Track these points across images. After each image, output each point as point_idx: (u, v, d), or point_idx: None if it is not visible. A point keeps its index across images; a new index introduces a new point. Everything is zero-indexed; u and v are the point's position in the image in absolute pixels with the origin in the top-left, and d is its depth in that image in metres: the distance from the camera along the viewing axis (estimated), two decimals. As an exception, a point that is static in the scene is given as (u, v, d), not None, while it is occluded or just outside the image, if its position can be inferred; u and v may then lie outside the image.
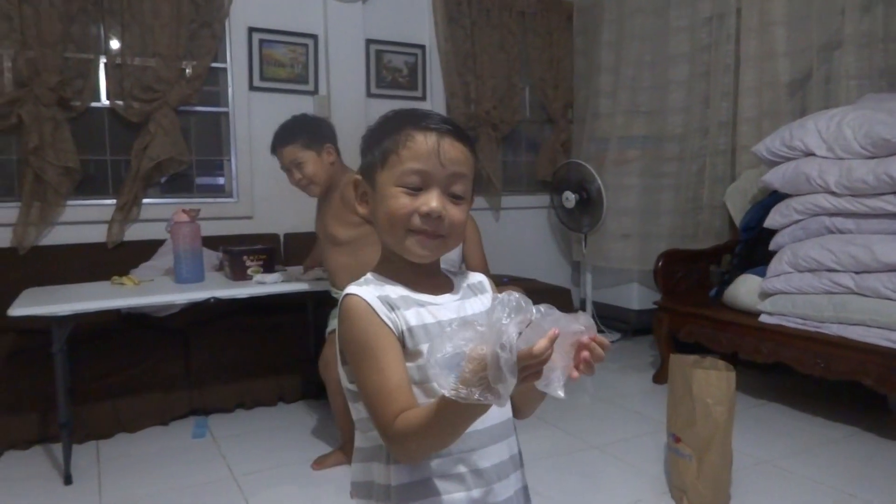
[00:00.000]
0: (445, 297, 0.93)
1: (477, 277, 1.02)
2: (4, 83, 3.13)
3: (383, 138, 0.90)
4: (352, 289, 0.88)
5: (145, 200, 3.50)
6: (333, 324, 2.48)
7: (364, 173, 0.93)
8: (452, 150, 0.87)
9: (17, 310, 2.20)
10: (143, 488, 2.32)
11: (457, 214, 0.88)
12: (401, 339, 0.85)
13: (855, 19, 3.16)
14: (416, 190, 0.86)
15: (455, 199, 0.88)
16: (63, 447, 2.38)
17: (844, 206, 2.70)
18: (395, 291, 0.89)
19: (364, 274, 0.95)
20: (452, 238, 0.90)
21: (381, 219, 0.89)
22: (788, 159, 2.98)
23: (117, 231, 3.40)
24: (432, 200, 0.86)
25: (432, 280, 0.95)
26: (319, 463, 2.46)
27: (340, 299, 0.90)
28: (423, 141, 0.86)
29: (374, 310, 0.85)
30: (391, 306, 0.87)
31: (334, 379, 2.27)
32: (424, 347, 0.84)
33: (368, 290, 0.87)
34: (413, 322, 0.87)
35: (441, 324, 0.88)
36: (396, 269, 0.92)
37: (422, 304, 0.90)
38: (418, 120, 0.88)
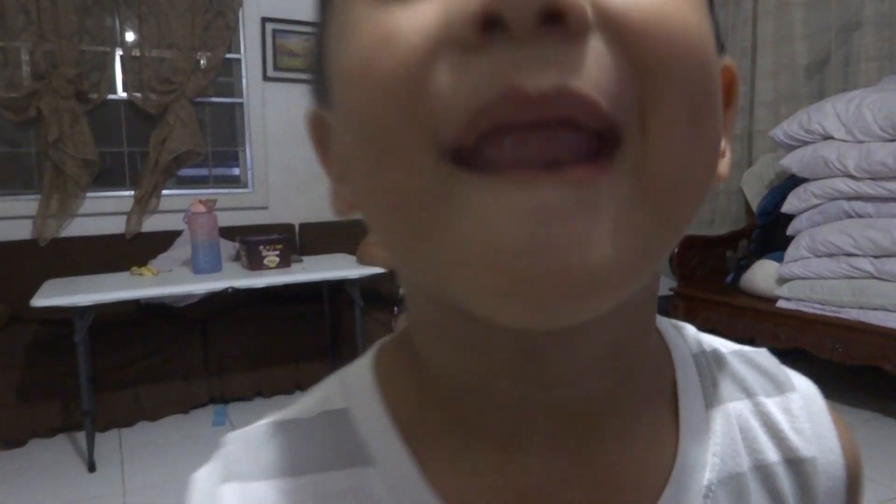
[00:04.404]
0: None
1: (794, 431, 0.32)
2: (23, 76, 3.16)
3: None
4: (199, 472, 0.29)
5: (163, 192, 3.53)
6: None
7: (315, 87, 0.29)
8: None
9: (40, 300, 2.24)
10: (164, 475, 2.35)
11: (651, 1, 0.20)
12: None
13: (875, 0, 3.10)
14: None
15: None
16: (86, 435, 2.43)
17: (864, 189, 2.67)
18: None
19: None
20: (665, 134, 0.20)
21: (346, 147, 0.24)
22: (806, 143, 2.94)
23: (135, 222, 3.44)
24: None
25: (579, 444, 0.27)
26: None
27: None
28: None
29: None
30: None
31: None
32: None
33: (214, 502, 0.27)
34: None
35: None
36: (440, 384, 0.28)
37: None
38: None
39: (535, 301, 0.20)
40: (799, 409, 0.32)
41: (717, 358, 0.32)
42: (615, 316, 0.22)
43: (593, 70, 0.19)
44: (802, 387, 0.34)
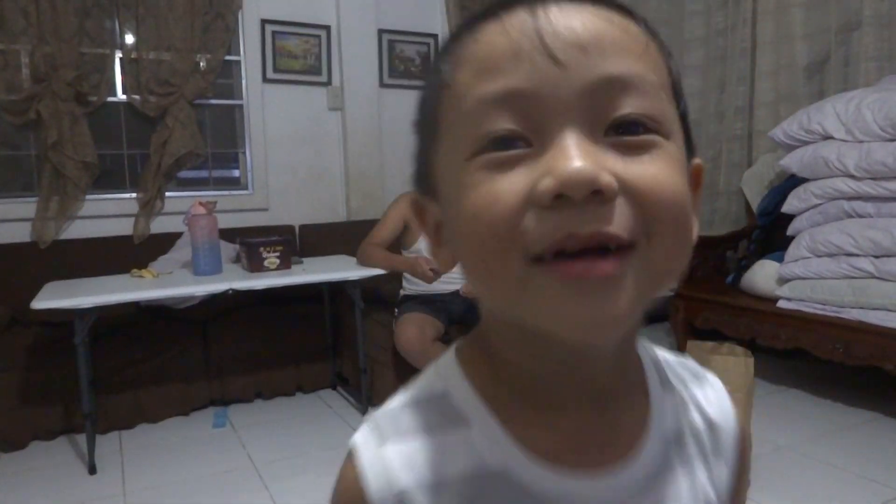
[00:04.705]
0: (611, 479, 0.41)
1: (708, 405, 0.49)
2: (22, 78, 3.17)
3: (428, 81, 0.43)
4: (367, 441, 0.43)
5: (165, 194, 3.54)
6: None
7: (418, 180, 0.45)
8: (579, 19, 0.37)
9: (40, 303, 2.24)
10: (165, 477, 2.35)
11: (652, 176, 0.36)
12: None
13: (874, -1, 3.10)
14: (515, 149, 0.36)
15: (631, 136, 0.36)
16: (87, 437, 2.43)
17: (864, 189, 2.67)
18: (471, 454, 0.41)
19: None
20: (663, 244, 0.36)
21: (462, 249, 0.39)
22: (806, 143, 2.94)
23: (143, 226, 3.44)
24: (566, 155, 0.34)
25: (606, 408, 0.43)
26: None
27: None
28: (499, 30, 0.37)
29: None
30: None
31: None
32: None
33: (394, 460, 0.41)
34: None
35: None
36: (511, 373, 0.42)
37: (527, 495, 0.40)
38: (494, 4, 0.39)
39: (587, 335, 0.36)
40: (712, 394, 0.50)
41: (665, 362, 0.50)
42: (620, 351, 0.42)
43: (618, 218, 0.34)
44: (715, 382, 0.51)
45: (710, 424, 0.48)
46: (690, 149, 0.41)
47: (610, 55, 0.36)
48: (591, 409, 0.42)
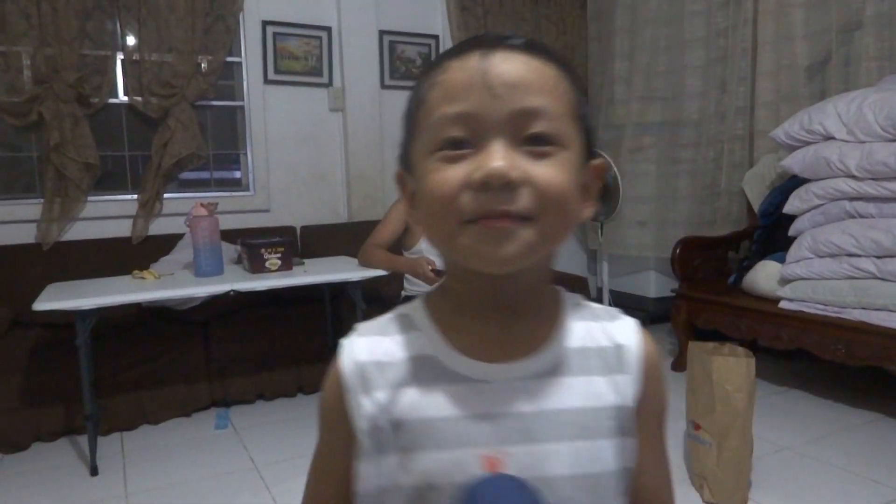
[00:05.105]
0: (512, 367, 0.58)
1: (617, 334, 0.62)
2: (24, 80, 3.17)
3: (412, 94, 0.60)
4: (349, 338, 0.63)
5: (164, 195, 3.54)
6: None
7: (402, 160, 0.62)
8: (511, 66, 0.54)
9: (42, 304, 2.24)
10: (167, 478, 2.36)
11: (547, 174, 0.52)
12: (365, 438, 0.58)
13: None
14: (462, 149, 0.53)
15: (538, 146, 0.53)
16: (89, 439, 2.44)
17: (865, 189, 2.67)
18: (413, 346, 0.59)
19: None
20: (549, 218, 0.52)
21: (423, 214, 0.56)
22: (808, 143, 2.94)
23: (142, 227, 3.45)
24: (491, 157, 0.51)
25: (517, 323, 0.59)
26: None
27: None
28: (459, 67, 0.55)
29: (343, 387, 0.60)
30: (367, 382, 0.59)
31: None
32: (420, 460, 0.56)
33: (361, 346, 0.61)
34: (403, 412, 0.57)
35: (475, 421, 0.56)
36: (454, 298, 0.61)
37: (450, 379, 0.57)
38: (460, 45, 0.57)
39: (492, 267, 0.53)
40: (622, 326, 0.63)
41: (586, 305, 0.64)
42: (526, 271, 0.55)
43: (520, 201, 0.51)
44: (628, 320, 0.64)
45: (618, 347, 0.61)
46: (592, 154, 0.59)
47: (528, 92, 0.53)
48: (503, 322, 0.59)
